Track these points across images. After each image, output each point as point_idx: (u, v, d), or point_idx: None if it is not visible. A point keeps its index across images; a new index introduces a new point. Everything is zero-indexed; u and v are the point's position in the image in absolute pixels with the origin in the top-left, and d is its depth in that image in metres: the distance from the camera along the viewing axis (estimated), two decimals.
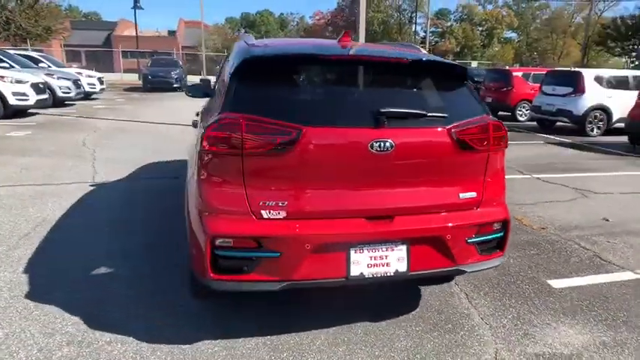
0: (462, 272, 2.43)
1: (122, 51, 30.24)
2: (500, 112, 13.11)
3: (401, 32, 59.01)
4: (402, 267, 2.24)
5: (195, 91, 4.35)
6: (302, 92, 2.33)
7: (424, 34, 69.69)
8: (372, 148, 2.12)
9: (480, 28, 65.93)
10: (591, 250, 3.76)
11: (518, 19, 63.86)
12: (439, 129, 2.26)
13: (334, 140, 2.13)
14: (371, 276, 2.21)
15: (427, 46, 34.73)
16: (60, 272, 3.04)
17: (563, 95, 10.80)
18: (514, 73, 13.78)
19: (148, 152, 7.00)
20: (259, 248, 2.10)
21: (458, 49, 61.30)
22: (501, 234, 2.48)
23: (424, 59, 2.41)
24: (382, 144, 2.12)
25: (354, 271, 2.18)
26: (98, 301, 2.70)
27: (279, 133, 2.07)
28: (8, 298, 2.69)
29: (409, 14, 60.93)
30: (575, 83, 10.63)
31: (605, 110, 10.51)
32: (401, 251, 2.23)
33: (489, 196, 2.43)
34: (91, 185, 5.19)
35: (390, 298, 2.87)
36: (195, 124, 5.23)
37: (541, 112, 11.41)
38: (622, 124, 9.74)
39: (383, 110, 2.15)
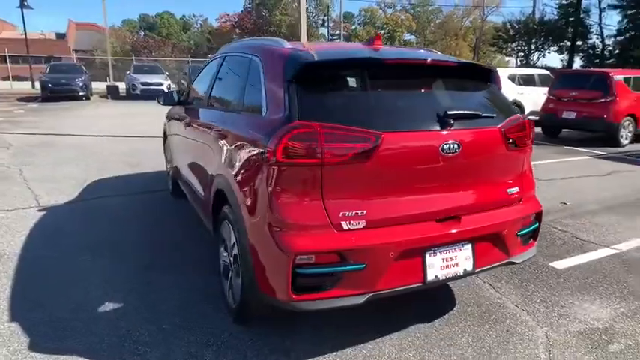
0: (513, 263, 2.54)
1: (10, 56, 26.75)
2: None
3: (309, 35, 60.09)
4: (469, 265, 2.29)
5: (169, 100, 4.07)
6: (368, 98, 2.26)
7: (330, 37, 71.70)
8: (442, 151, 2.14)
9: (382, 31, 69.59)
10: (568, 232, 4.17)
11: (416, 23, 68.46)
12: (493, 129, 2.34)
13: (409, 144, 2.11)
14: (444, 278, 2.23)
15: None
16: (56, 319, 2.61)
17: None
18: (615, 77, 9.30)
19: (88, 169, 6.30)
20: (342, 262, 2.00)
21: None
22: (537, 224, 2.64)
23: (470, 63, 2.48)
24: (451, 146, 2.15)
25: (430, 275, 2.18)
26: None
27: (358, 141, 1.99)
28: None
29: (315, 17, 62.34)
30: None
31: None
32: (467, 250, 2.28)
33: (527, 190, 2.58)
34: (40, 210, 4.53)
35: (428, 298, 2.91)
36: (165, 135, 4.86)
37: None
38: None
39: (450, 112, 2.18)
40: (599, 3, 32.19)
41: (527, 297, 2.97)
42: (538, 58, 33.09)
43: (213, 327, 2.52)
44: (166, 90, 18.85)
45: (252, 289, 2.25)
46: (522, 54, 32.72)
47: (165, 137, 5.21)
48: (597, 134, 9.79)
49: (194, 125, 3.42)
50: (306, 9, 63.91)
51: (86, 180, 5.68)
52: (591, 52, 32.97)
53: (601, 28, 32.70)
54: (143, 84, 18.83)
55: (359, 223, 2.04)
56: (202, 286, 2.99)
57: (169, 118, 4.66)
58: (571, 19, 32.58)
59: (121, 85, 21.52)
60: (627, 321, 2.70)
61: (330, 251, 1.98)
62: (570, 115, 9.63)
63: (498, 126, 2.36)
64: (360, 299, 2.05)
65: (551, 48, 32.51)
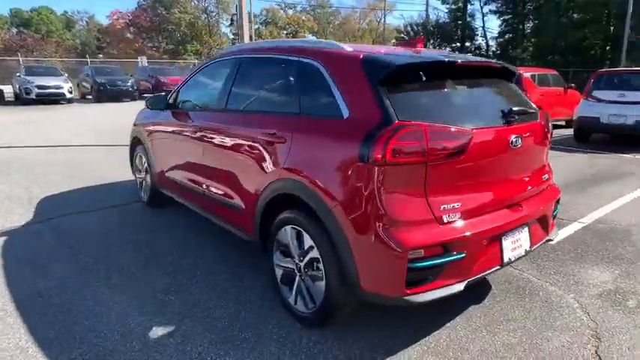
0: (550, 241, 2.86)
1: None
2: None
3: (211, 35, 58.34)
4: (527, 246, 2.54)
5: (159, 104, 3.84)
6: (447, 97, 2.38)
7: (234, 36, 70.37)
8: (511, 144, 2.35)
9: (285, 32, 70.24)
10: None
11: (317, 24, 70.11)
12: (537, 123, 2.62)
13: (489, 139, 2.28)
14: (513, 259, 2.44)
15: None
16: (108, 351, 2.34)
17: None
18: None
19: (27, 184, 5.54)
20: (446, 253, 2.11)
21: None
22: (559, 205, 3.00)
23: (508, 66, 2.73)
24: (517, 139, 2.37)
25: (505, 257, 2.38)
26: None
27: (456, 137, 2.11)
28: None
29: (217, 16, 60.77)
30: None
31: None
32: (526, 232, 2.53)
33: (551, 176, 2.92)
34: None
35: None
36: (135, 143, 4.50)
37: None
38: None
39: (515, 109, 2.40)
40: (482, 9, 36.09)
41: (542, 271, 3.33)
42: None
43: (286, 334, 2.46)
44: (68, 94, 17.15)
45: (342, 290, 2.25)
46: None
47: (134, 145, 4.81)
48: None
49: (212, 130, 3.23)
50: (206, 8, 61.57)
51: (32, 197, 5.00)
52: (477, 52, 36.79)
53: (485, 30, 36.71)
54: (39, 87, 16.77)
55: (456, 216, 2.16)
56: (257, 297, 2.87)
57: (150, 124, 4.31)
58: (459, 22, 36.08)
59: (7, 89, 18.97)
60: (626, 281, 3.18)
61: (436, 244, 2.07)
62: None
63: (538, 119, 2.65)
64: (461, 286, 2.17)
65: (446, 48, 35.63)
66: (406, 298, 2.06)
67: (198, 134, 3.37)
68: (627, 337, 2.49)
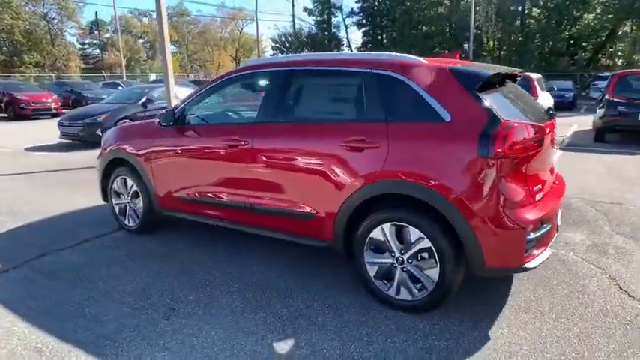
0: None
1: None
2: None
3: (54, 44, 51.94)
4: (559, 222, 3.14)
5: (170, 120, 3.71)
6: (513, 99, 2.84)
7: (81, 45, 63.40)
8: (550, 137, 2.94)
9: (141, 40, 65.95)
10: None
11: (176, 32, 67.23)
12: (554, 120, 3.27)
13: (546, 133, 2.81)
14: (559, 231, 3.04)
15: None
16: None
17: None
18: None
19: None
20: (542, 226, 2.57)
21: (125, 63, 59.53)
22: None
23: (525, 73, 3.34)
24: (551, 134, 2.97)
25: (559, 227, 2.96)
26: None
27: (540, 132, 2.59)
28: None
29: (59, 24, 54.37)
30: None
31: None
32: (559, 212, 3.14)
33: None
34: None
35: None
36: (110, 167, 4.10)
37: None
38: None
39: (550, 108, 2.99)
40: (344, 21, 39.00)
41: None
42: None
43: (405, 324, 2.67)
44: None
45: (456, 272, 2.59)
46: None
47: (109, 169, 4.35)
48: None
49: (269, 142, 3.20)
50: (45, 14, 54.40)
51: None
52: None
53: (349, 41, 39.69)
54: None
55: (540, 195, 2.65)
56: (345, 297, 2.98)
57: (147, 143, 3.96)
58: (326, 33, 38.43)
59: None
60: (605, 240, 4.05)
61: (538, 220, 2.53)
62: None
63: (553, 119, 3.32)
64: (549, 252, 2.66)
65: None
66: (525, 265, 2.48)
67: (244, 148, 3.30)
68: (629, 275, 3.28)
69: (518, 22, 29.93)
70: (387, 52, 3.03)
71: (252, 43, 65.18)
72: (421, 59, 2.84)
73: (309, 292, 3.09)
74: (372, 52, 3.15)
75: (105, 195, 4.53)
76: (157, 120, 3.89)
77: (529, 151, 2.51)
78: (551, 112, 3.26)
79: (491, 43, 31.27)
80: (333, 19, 38.68)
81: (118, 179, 4.31)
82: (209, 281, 3.29)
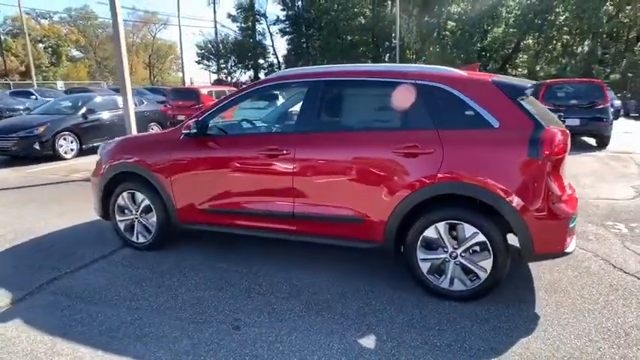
0: None
1: None
2: None
3: None
4: None
5: (194, 130, 3.70)
6: (538, 108, 3.23)
7: None
8: None
9: (42, 45, 60.47)
10: None
11: (83, 37, 62.65)
12: None
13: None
14: None
15: None
16: None
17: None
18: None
19: None
20: (574, 217, 2.99)
21: (24, 69, 54.12)
22: None
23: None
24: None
25: None
26: None
27: (567, 136, 3.02)
28: None
29: None
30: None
31: None
32: None
33: None
34: (14, 309, 2.96)
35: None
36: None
37: None
38: None
39: (561, 115, 3.47)
40: (269, 28, 39.17)
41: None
42: (239, 74, 37.49)
43: (472, 314, 2.95)
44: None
45: (507, 261, 2.92)
46: (226, 70, 36.17)
47: (112, 184, 4.13)
48: None
49: (314, 152, 3.32)
50: None
51: None
52: (271, 69, 39.78)
53: (274, 49, 39.89)
54: None
55: (569, 191, 3.08)
56: (402, 292, 3.18)
57: (163, 155, 3.83)
58: (251, 40, 38.30)
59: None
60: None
61: (573, 211, 2.95)
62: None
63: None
64: (575, 242, 3.10)
65: (241, 65, 37.32)
66: (565, 250, 2.88)
67: (286, 157, 3.37)
68: (616, 256, 3.89)
69: (435, 34, 32.34)
70: (418, 65, 3.32)
71: (167, 49, 62.65)
72: (461, 72, 3.16)
73: (360, 293, 3.24)
74: (408, 65, 3.42)
75: (105, 212, 4.27)
76: (173, 129, 3.79)
77: (564, 153, 2.93)
78: None
79: (410, 53, 33.36)
80: (258, 27, 38.72)
81: (125, 194, 4.10)
82: (257, 290, 3.31)
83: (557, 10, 28.00)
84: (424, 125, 3.07)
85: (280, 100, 3.79)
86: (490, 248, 2.92)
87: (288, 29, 37.77)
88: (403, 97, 3.17)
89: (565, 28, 28.46)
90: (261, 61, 38.87)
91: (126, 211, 4.16)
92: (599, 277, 3.47)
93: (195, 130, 3.62)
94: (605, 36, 27.87)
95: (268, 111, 4.26)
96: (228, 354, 2.54)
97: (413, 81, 3.15)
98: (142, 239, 4.12)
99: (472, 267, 3.01)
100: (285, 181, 3.41)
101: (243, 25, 38.20)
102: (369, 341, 2.65)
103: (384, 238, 3.20)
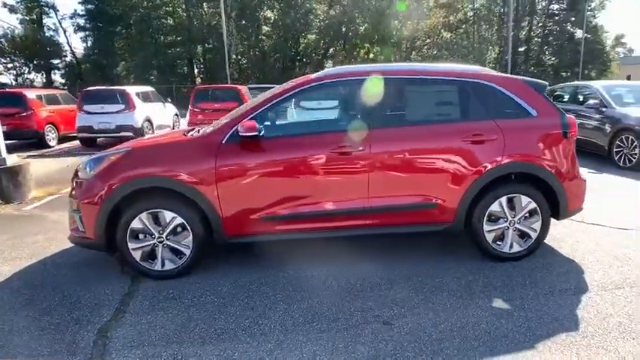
0: None
1: None
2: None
3: None
4: None
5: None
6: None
7: None
8: None
9: None
10: None
11: None
12: None
13: None
14: None
15: None
16: None
17: (117, 112, 11.66)
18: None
19: None
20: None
21: None
22: None
23: None
24: None
25: None
26: None
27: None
28: None
29: None
30: (125, 100, 11.80)
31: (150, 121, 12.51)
32: None
33: None
34: None
35: None
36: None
37: (94, 131, 11.62)
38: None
39: None
40: (60, 22, 33.64)
41: None
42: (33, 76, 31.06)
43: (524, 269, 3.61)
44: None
45: (550, 219, 3.71)
46: (14, 72, 29.38)
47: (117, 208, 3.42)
48: None
49: (387, 145, 3.48)
50: None
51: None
52: (68, 69, 34.31)
53: (71, 47, 34.49)
54: None
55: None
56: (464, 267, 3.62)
57: (216, 159, 3.36)
58: (39, 36, 32.29)
59: None
60: None
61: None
62: None
63: None
64: None
65: (32, 65, 31.13)
66: (582, 207, 3.83)
67: (360, 153, 3.42)
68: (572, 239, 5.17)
69: (254, 38, 33.22)
70: (461, 65, 3.85)
71: None
72: (495, 72, 3.81)
73: (423, 275, 3.56)
74: (457, 65, 3.88)
75: (109, 242, 3.47)
76: (206, 133, 3.40)
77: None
78: None
79: (234, 56, 33.50)
80: (47, 20, 32.85)
81: (143, 215, 3.42)
82: (358, 288, 3.30)
83: (357, 21, 32.32)
84: (482, 117, 3.60)
85: (327, 99, 3.74)
86: (539, 212, 3.65)
87: (88, 25, 33.10)
88: (463, 93, 3.64)
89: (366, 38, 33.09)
90: (55, 60, 33.09)
91: (142, 235, 3.46)
92: (601, 246, 4.17)
93: (259, 133, 3.31)
94: (394, 46, 33.53)
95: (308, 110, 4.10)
96: (395, 342, 2.59)
97: (468, 79, 3.64)
98: (169, 266, 3.51)
99: (527, 230, 3.69)
100: (360, 177, 3.48)
101: (26, 17, 31.75)
102: (470, 311, 3.05)
103: (456, 218, 3.61)
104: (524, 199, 3.63)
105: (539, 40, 35.51)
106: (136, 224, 3.42)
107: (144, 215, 3.42)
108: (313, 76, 3.70)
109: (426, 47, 37.89)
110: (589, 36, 32.44)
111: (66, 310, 3.08)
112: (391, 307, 3.03)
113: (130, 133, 11.72)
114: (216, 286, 3.40)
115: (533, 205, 3.64)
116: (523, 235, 3.72)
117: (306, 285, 3.37)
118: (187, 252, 3.50)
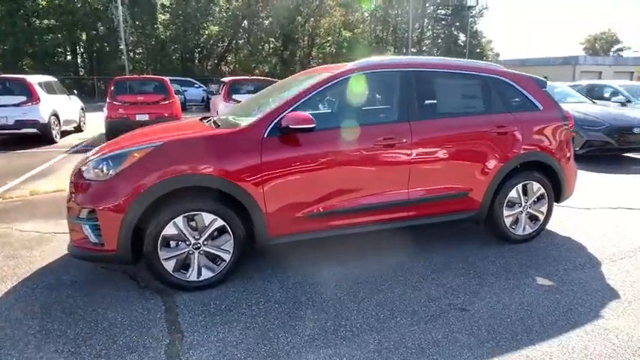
0: None
1: None
2: None
3: None
4: None
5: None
6: None
7: None
8: None
9: None
10: None
11: None
12: None
13: None
14: None
15: None
16: None
17: (17, 105, 9.99)
18: None
19: None
20: None
21: None
22: None
23: None
24: None
25: None
26: None
27: None
28: None
29: None
30: (26, 92, 10.14)
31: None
32: None
33: None
34: None
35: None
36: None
37: None
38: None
39: None
40: None
41: None
42: None
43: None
44: None
45: (553, 204, 4.13)
46: None
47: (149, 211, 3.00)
48: None
49: (424, 135, 3.54)
50: None
51: None
52: None
53: None
54: None
55: None
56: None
57: (261, 154, 3.08)
58: None
59: None
60: None
61: None
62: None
63: None
64: None
65: None
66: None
67: (404, 144, 3.43)
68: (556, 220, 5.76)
69: (149, 27, 30.79)
70: (477, 61, 4.08)
71: None
72: (500, 66, 4.10)
73: (458, 261, 3.75)
74: (474, 61, 4.07)
75: (135, 253, 3.01)
76: (241, 126, 3.19)
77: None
78: None
79: (122, 47, 30.66)
80: None
81: (179, 219, 3.02)
82: (412, 283, 3.32)
83: (261, 15, 31.86)
84: (502, 109, 3.87)
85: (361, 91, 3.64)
86: (547, 197, 4.04)
87: None
88: (486, 88, 3.86)
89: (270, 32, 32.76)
90: None
91: (173, 243, 3.06)
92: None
93: (310, 125, 3.12)
94: (297, 41, 33.79)
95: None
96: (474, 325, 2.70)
97: (489, 75, 3.87)
98: (206, 274, 3.16)
99: (536, 213, 4.06)
100: (402, 168, 3.50)
101: None
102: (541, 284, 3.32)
103: (481, 206, 3.83)
104: (536, 186, 3.98)
105: (429, 42, 38.81)
106: (169, 230, 3.00)
107: (179, 219, 3.01)
108: (349, 66, 3.59)
109: (327, 44, 38.91)
110: (472, 40, 36.43)
111: (105, 336, 2.59)
112: (455, 294, 3.11)
113: (33, 130, 10.15)
114: (264, 291, 3.14)
115: (542, 190, 4.01)
116: (532, 218, 4.08)
117: (356, 281, 3.29)
118: (227, 257, 3.18)
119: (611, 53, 57.18)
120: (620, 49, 58.73)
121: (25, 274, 3.43)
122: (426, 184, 3.61)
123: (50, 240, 4.11)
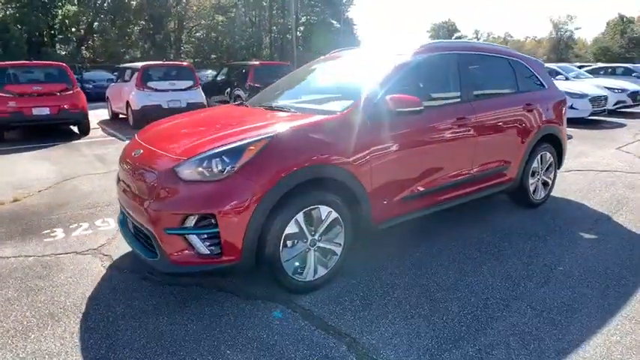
0: None
1: None
2: None
3: None
4: None
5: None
6: None
7: None
8: None
9: None
10: None
11: None
12: None
13: None
14: None
15: None
16: None
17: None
18: None
19: None
20: None
21: None
22: None
23: None
24: None
25: None
26: None
27: None
28: None
29: None
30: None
31: None
32: None
33: None
34: None
35: None
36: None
37: None
38: None
39: None
40: None
41: None
42: None
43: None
44: None
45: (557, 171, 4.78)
46: None
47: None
48: None
49: (484, 115, 3.77)
50: None
51: None
52: None
53: None
54: None
55: None
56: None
57: (369, 139, 2.94)
58: None
59: None
60: None
61: None
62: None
63: None
64: None
65: None
66: None
67: (470, 123, 3.61)
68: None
69: None
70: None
71: None
72: (511, 49, 4.55)
73: (504, 234, 4.13)
74: (499, 45, 4.37)
75: (258, 256, 2.67)
76: (340, 111, 3.06)
77: None
78: None
79: None
80: None
81: (299, 217, 2.75)
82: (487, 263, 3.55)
83: None
84: (525, 89, 4.31)
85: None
86: (554, 165, 4.66)
87: None
88: (513, 69, 4.24)
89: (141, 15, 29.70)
90: None
91: (290, 242, 2.78)
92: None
93: (419, 108, 3.09)
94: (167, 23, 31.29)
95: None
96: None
97: (512, 58, 4.28)
98: (321, 272, 2.95)
99: (547, 179, 4.64)
100: (470, 146, 3.70)
101: None
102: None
103: (515, 177, 4.24)
104: (548, 155, 4.55)
105: (305, 27, 39.55)
106: (291, 229, 2.71)
107: (300, 216, 2.74)
108: (416, 47, 3.60)
109: (198, 27, 36.95)
110: (345, 29, 38.27)
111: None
112: (541, 260, 3.39)
113: None
114: (386, 277, 3.07)
115: (552, 159, 4.60)
116: (544, 184, 4.65)
117: (451, 259, 3.40)
118: (339, 250, 3.00)
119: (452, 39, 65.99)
120: (460, 37, 67.64)
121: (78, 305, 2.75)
122: (484, 160, 3.87)
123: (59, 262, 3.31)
